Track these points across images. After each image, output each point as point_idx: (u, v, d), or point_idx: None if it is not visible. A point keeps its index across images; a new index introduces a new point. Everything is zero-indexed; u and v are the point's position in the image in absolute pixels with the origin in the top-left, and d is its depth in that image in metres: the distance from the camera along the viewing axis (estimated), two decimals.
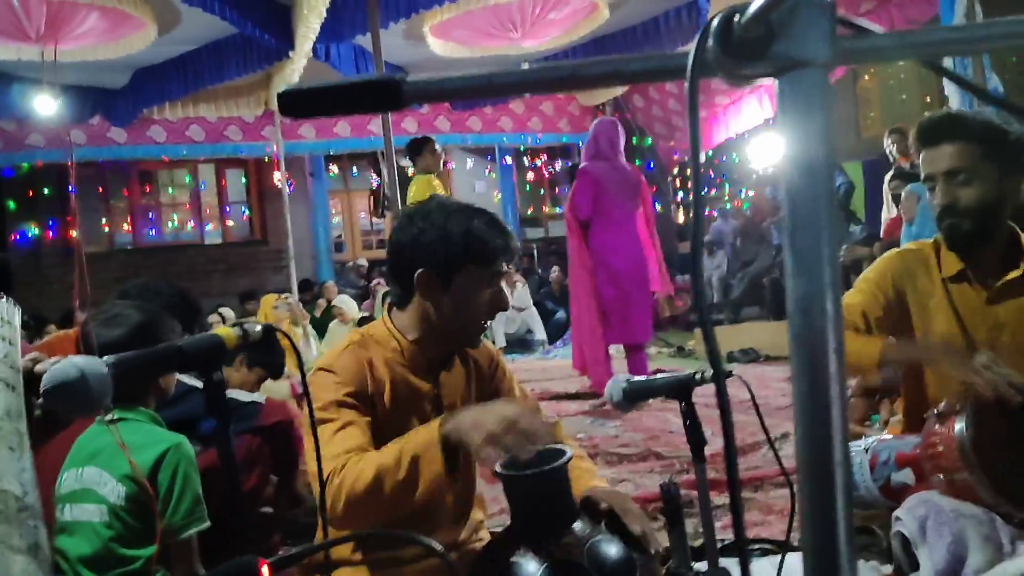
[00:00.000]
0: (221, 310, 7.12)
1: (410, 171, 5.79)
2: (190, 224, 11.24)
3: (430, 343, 1.59)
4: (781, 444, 3.25)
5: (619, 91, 9.05)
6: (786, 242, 0.49)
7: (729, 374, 1.30)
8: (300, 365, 1.29)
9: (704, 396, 1.52)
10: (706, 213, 10.51)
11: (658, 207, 8.21)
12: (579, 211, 4.78)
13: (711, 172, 10.62)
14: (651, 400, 1.71)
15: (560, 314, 8.78)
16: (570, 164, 10.36)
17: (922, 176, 1.82)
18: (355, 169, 12.08)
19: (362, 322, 6.32)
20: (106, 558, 1.44)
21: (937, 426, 1.64)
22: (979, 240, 1.77)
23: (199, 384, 1.09)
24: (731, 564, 1.45)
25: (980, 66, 3.86)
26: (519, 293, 8.73)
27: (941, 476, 1.61)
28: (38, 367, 1.27)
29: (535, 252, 11.58)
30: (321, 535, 1.45)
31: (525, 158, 12.08)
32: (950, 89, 3.90)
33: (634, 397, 1.48)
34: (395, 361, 1.57)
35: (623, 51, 7.70)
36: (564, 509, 1.38)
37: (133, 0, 5.85)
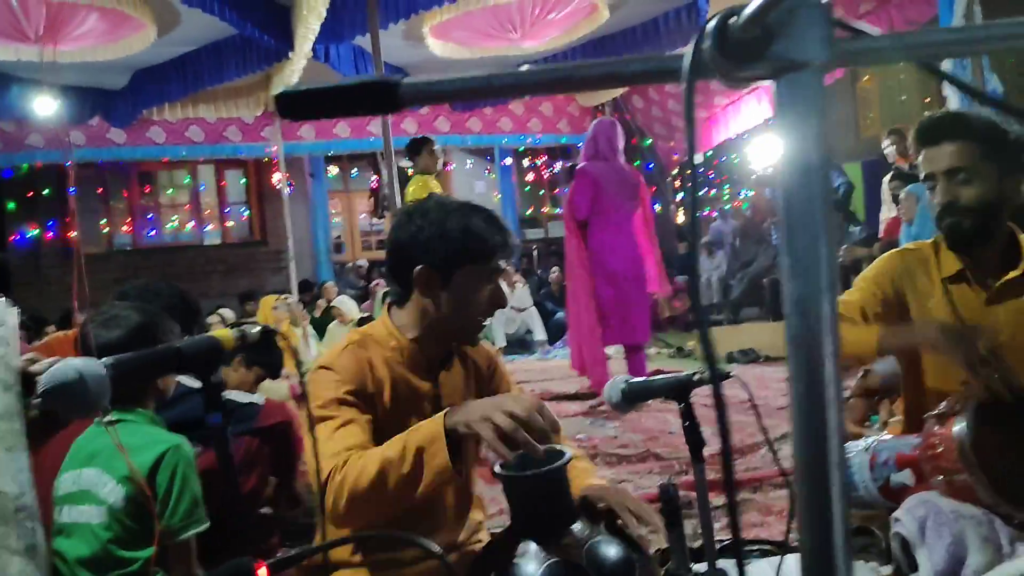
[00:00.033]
0: (220, 311, 7.11)
1: (410, 171, 5.79)
2: (189, 225, 11.24)
3: (429, 341, 1.59)
4: (780, 445, 3.25)
5: (619, 92, 9.05)
6: (783, 244, 0.49)
7: (727, 376, 1.30)
8: (298, 366, 1.29)
9: (703, 397, 1.52)
10: (706, 213, 10.52)
11: (658, 208, 8.22)
12: (577, 211, 4.78)
13: (711, 172, 10.62)
14: (651, 401, 1.71)
15: (560, 315, 8.77)
16: (569, 164, 10.36)
17: (923, 175, 1.83)
18: (355, 170, 12.09)
19: (362, 323, 6.32)
20: (105, 560, 1.44)
21: (937, 427, 1.64)
22: (979, 239, 1.77)
23: (199, 385, 1.09)
24: (730, 565, 1.45)
25: (979, 67, 3.86)
26: (519, 294, 8.74)
27: (941, 477, 1.61)
28: (34, 367, 1.27)
29: (535, 253, 11.58)
30: (320, 536, 1.45)
31: (525, 159, 12.09)
32: (949, 90, 3.90)
33: (633, 398, 1.48)
34: (394, 361, 1.57)
35: (623, 52, 7.71)
36: (564, 510, 1.38)
37: (132, 1, 5.85)
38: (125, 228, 10.87)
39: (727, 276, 9.48)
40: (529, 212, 12.65)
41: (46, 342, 2.82)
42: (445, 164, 8.54)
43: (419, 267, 1.52)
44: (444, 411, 1.36)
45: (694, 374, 1.41)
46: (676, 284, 7.69)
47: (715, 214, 10.34)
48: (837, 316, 0.48)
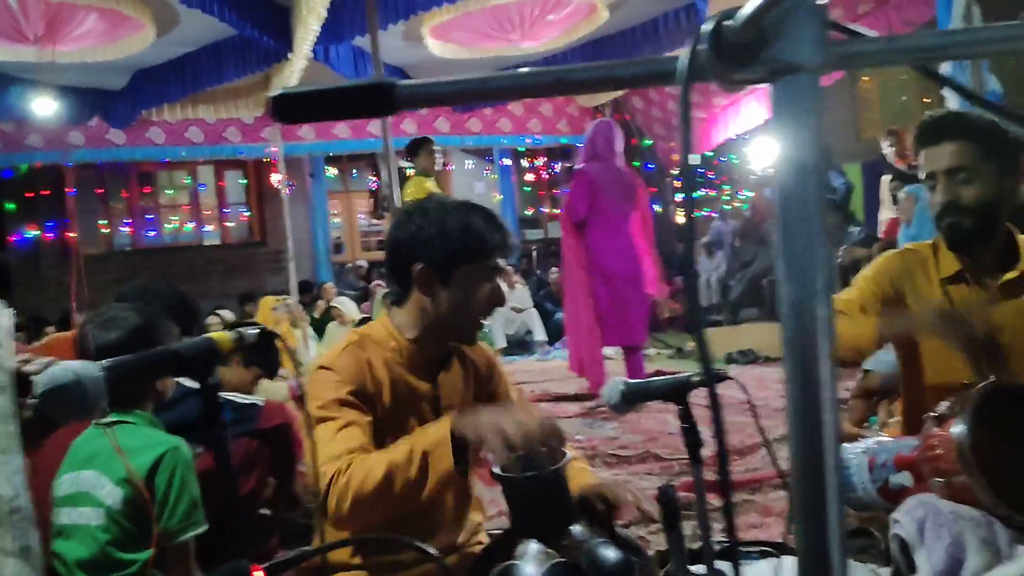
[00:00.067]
0: (220, 312, 7.11)
1: (409, 172, 5.79)
2: (189, 225, 11.22)
3: (428, 341, 1.59)
4: (779, 446, 3.24)
5: (618, 92, 9.05)
6: (779, 247, 0.49)
7: (724, 377, 1.30)
8: (297, 367, 1.29)
9: (702, 398, 1.52)
10: (706, 214, 10.52)
11: (658, 208, 8.21)
12: (575, 212, 4.78)
13: (711, 173, 10.61)
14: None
15: (559, 315, 8.77)
16: (568, 164, 10.37)
17: (923, 174, 1.83)
18: (354, 170, 12.09)
19: (361, 323, 6.32)
20: (103, 561, 1.44)
21: (936, 428, 1.64)
22: (979, 239, 1.78)
23: (197, 387, 1.09)
24: (729, 567, 1.45)
25: (978, 68, 3.86)
26: (519, 294, 8.73)
27: (940, 479, 1.61)
28: (28, 367, 1.26)
29: (534, 253, 11.57)
30: (318, 538, 1.45)
31: (524, 159, 12.08)
32: (948, 90, 3.90)
33: (631, 399, 1.48)
34: (394, 361, 1.57)
35: (622, 53, 7.71)
36: (563, 511, 1.38)
37: (132, 1, 5.85)
38: (124, 229, 10.85)
39: (726, 276, 9.47)
40: (529, 212, 12.65)
41: (45, 343, 2.82)
42: (445, 164, 8.53)
43: (418, 266, 1.53)
44: (448, 415, 1.37)
45: (692, 375, 1.41)
46: (676, 284, 7.68)
47: (715, 214, 10.33)
48: (833, 318, 0.48)
